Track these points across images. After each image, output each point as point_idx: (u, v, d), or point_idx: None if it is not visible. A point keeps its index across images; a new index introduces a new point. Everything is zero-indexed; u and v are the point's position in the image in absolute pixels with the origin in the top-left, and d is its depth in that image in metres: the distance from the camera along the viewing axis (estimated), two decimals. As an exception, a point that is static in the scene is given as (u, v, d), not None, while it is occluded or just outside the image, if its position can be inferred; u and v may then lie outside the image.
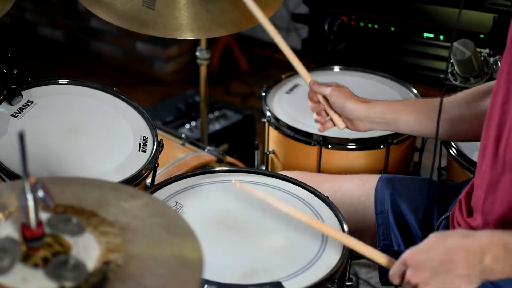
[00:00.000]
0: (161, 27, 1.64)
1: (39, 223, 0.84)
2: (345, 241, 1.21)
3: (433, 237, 1.08)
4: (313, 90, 1.48)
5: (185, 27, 1.65)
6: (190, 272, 0.86)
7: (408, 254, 1.07)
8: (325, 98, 1.47)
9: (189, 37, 1.66)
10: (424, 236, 1.42)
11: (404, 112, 1.43)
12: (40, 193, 0.84)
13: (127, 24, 1.62)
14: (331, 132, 1.74)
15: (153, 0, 1.65)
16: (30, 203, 0.83)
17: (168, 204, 1.35)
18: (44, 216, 0.89)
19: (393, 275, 1.11)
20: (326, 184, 1.53)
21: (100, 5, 1.63)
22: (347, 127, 1.49)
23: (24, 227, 0.84)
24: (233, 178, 1.32)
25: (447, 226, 1.35)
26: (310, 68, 2.11)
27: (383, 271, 1.45)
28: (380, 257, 1.16)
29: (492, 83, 1.39)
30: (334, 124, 1.50)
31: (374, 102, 1.45)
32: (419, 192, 1.47)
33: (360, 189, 1.51)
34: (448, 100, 1.42)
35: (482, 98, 1.39)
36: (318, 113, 1.50)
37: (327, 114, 1.49)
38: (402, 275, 1.09)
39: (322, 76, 2.00)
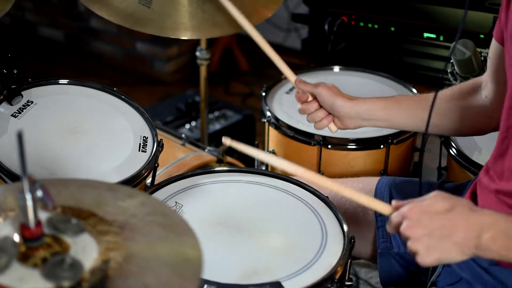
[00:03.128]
0: (155, 25, 1.63)
1: (38, 222, 0.85)
2: (347, 193, 1.17)
3: (439, 199, 1.06)
4: (300, 89, 1.45)
5: (180, 26, 1.64)
6: (190, 269, 0.86)
7: (410, 208, 1.05)
8: (314, 96, 1.45)
9: (184, 36, 1.64)
10: None
11: (394, 111, 1.44)
12: (39, 193, 0.84)
13: (122, 20, 1.61)
14: (331, 132, 1.74)
15: None
16: (29, 202, 0.83)
17: (166, 203, 1.35)
18: (44, 216, 0.89)
19: (390, 224, 1.08)
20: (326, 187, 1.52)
21: (96, 1, 1.62)
22: (337, 126, 1.47)
23: (23, 227, 0.84)
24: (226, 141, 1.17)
25: None
26: (310, 68, 2.12)
27: (383, 271, 1.45)
28: (384, 207, 1.13)
29: (478, 78, 1.41)
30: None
31: (363, 99, 1.44)
32: (419, 194, 1.47)
33: (359, 191, 1.50)
34: (438, 95, 1.42)
35: (470, 94, 1.41)
36: (310, 114, 1.46)
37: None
38: (398, 224, 1.07)
39: (322, 76, 2.01)
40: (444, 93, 1.44)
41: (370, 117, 1.44)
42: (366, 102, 1.44)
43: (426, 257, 1.04)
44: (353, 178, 1.58)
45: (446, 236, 1.03)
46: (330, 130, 1.48)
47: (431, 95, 1.43)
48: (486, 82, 1.38)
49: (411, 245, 1.04)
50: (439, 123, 1.43)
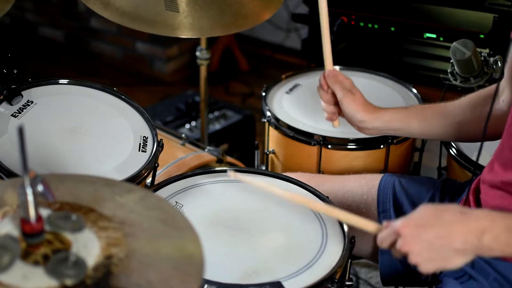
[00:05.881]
0: (192, 28, 1.64)
1: (39, 218, 0.85)
2: (335, 214, 1.18)
3: (427, 210, 1.07)
4: (328, 81, 1.45)
5: (216, 24, 1.67)
6: (191, 265, 0.86)
7: (402, 225, 1.06)
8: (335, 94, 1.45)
9: (222, 33, 1.71)
10: None
11: (411, 121, 1.45)
12: (40, 188, 0.84)
13: (156, 29, 1.62)
14: (331, 132, 1.74)
15: (175, 2, 1.64)
16: (30, 197, 0.83)
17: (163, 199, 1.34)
18: (44, 213, 0.89)
19: (382, 241, 1.09)
20: (328, 183, 1.52)
21: (124, 15, 1.62)
22: (353, 127, 1.48)
23: (24, 222, 0.84)
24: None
25: None
26: (310, 68, 2.11)
27: (384, 268, 1.45)
28: (369, 225, 1.13)
29: (493, 87, 1.41)
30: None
31: (383, 112, 1.45)
32: (422, 191, 1.47)
33: (362, 188, 1.51)
34: (453, 105, 1.45)
35: (485, 103, 1.41)
36: (325, 102, 1.47)
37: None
38: (392, 242, 1.08)
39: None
40: (463, 101, 1.45)
41: (386, 128, 1.46)
42: (385, 114, 1.44)
43: (428, 267, 1.05)
44: (355, 175, 1.57)
45: (445, 245, 1.04)
46: (333, 125, 1.49)
47: (449, 104, 1.45)
48: (503, 87, 1.38)
49: (412, 259, 1.05)
50: (454, 134, 1.45)
